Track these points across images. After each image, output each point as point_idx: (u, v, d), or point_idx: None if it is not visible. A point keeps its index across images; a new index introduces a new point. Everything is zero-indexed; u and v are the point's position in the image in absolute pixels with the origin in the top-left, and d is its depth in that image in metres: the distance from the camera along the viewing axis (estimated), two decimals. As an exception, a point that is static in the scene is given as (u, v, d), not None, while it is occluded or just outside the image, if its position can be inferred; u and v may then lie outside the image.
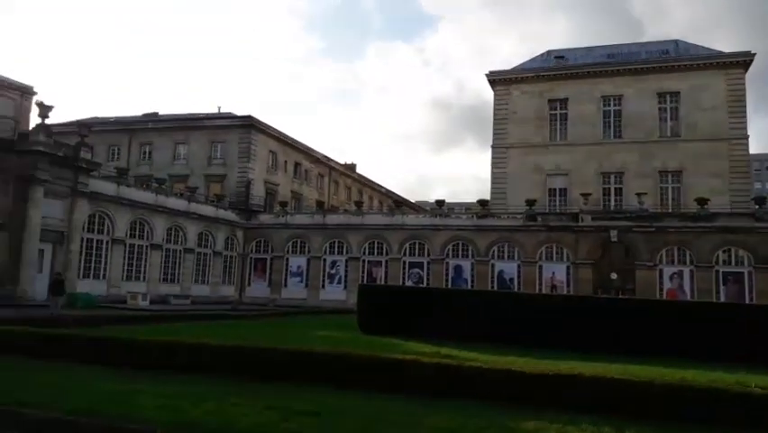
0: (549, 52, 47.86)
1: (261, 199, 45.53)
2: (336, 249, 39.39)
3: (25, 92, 27.38)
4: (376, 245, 38.56)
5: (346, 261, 38.88)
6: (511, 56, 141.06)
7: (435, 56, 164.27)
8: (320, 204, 46.34)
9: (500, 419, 7.00)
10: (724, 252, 31.68)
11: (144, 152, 48.28)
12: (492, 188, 43.07)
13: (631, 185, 38.78)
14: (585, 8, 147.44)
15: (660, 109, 40.49)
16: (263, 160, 46.87)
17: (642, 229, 32.83)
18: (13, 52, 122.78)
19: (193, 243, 37.01)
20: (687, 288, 31.84)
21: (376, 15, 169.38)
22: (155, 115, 53.26)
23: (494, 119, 44.21)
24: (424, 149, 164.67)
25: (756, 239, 30.98)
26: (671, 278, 32.42)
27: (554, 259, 34.87)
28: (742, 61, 39.56)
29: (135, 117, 52.82)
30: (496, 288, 34.11)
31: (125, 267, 32.34)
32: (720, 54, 40.93)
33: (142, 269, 33.42)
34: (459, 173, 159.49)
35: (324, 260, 39.37)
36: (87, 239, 30.09)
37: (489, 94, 46.06)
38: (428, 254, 37.22)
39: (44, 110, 26.76)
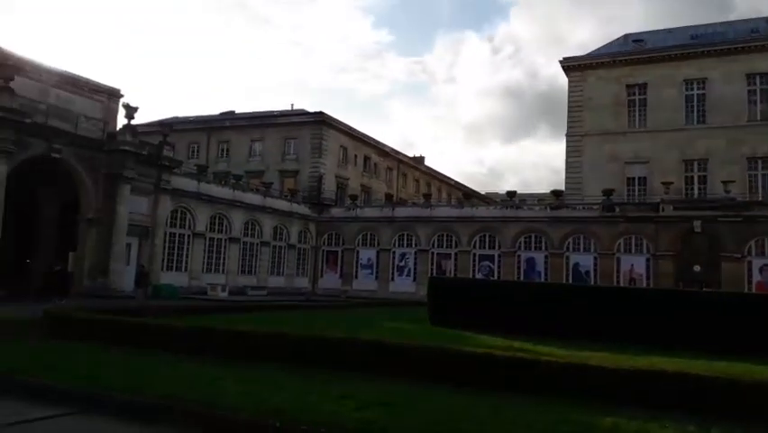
0: (626, 36, 45.95)
1: (332, 193, 46.37)
2: (405, 241, 39.56)
3: (113, 95, 29.02)
4: (445, 238, 38.43)
5: (415, 253, 38.99)
6: (586, 41, 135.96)
7: (507, 44, 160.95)
8: (389, 197, 46.63)
9: (575, 415, 6.85)
10: (821, 242, 29.46)
11: (222, 150, 50.19)
12: (567, 177, 41.85)
13: (716, 173, 36.64)
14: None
15: (749, 92, 37.96)
16: (334, 154, 47.66)
17: (728, 219, 31.02)
18: (93, 53, 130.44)
19: (268, 236, 38.20)
20: (779, 281, 29.86)
21: (445, 6, 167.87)
22: (231, 113, 55.29)
23: (569, 107, 42.91)
24: (494, 139, 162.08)
25: None
26: (760, 270, 30.50)
27: (633, 251, 33.58)
28: (843, 36, 36.48)
29: (213, 116, 55.02)
30: (571, 281, 33.25)
31: (205, 260, 33.83)
32: (818, 30, 37.92)
33: (221, 261, 34.84)
34: (531, 163, 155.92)
35: (394, 252, 39.63)
36: (170, 233, 31.65)
37: (563, 81, 44.75)
38: (499, 247, 36.72)
39: (130, 111, 28.27)
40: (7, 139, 23.45)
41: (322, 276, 41.69)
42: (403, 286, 38.50)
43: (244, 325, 12.01)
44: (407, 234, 39.52)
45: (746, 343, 13.27)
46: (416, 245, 39.10)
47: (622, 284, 31.95)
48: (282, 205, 39.88)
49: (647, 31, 46.91)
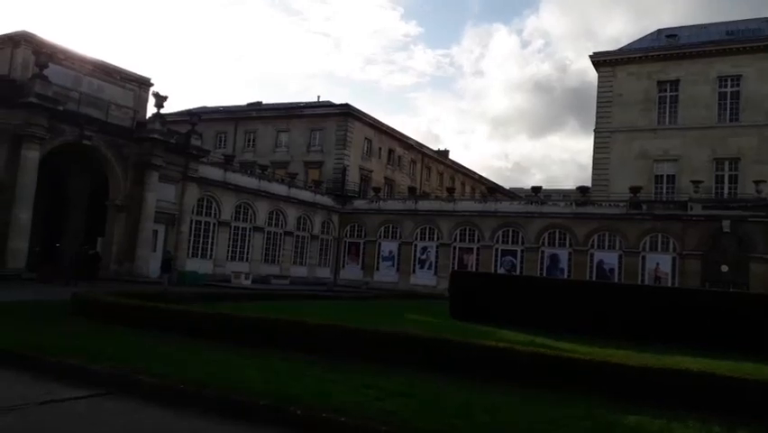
0: (660, 31, 45.07)
1: (356, 185, 46.49)
2: (427, 235, 39.53)
3: (143, 83, 29.46)
4: (468, 232, 38.30)
5: (437, 247, 38.95)
6: (619, 36, 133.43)
7: (536, 37, 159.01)
8: (412, 190, 46.61)
9: (598, 412, 6.80)
10: None
11: (249, 140, 50.62)
12: (594, 174, 41.33)
13: (748, 172, 35.81)
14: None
15: (785, 89, 36.97)
16: (358, 146, 47.74)
17: (759, 219, 30.34)
18: (125, 42, 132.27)
19: (292, 226, 38.50)
20: (811, 284, 29.10)
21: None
22: (258, 104, 55.70)
23: (597, 102, 42.32)
24: (521, 134, 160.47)
25: None
26: (791, 272, 29.76)
27: (659, 249, 33.07)
28: None
29: (240, 106, 55.50)
30: (594, 278, 32.89)
31: (230, 248, 34.24)
32: None
33: (246, 250, 35.23)
34: (558, 159, 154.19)
35: (415, 245, 39.64)
36: (196, 221, 32.09)
37: (593, 76, 44.18)
38: (522, 242, 36.48)
39: (159, 100, 28.67)
40: (40, 125, 23.98)
41: (343, 267, 41.89)
42: (424, 279, 38.53)
43: (265, 313, 12.14)
44: (429, 228, 39.48)
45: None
46: (437, 239, 39.04)
47: (647, 282, 31.49)
48: (306, 196, 40.13)
49: (681, 26, 45.94)
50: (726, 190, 36.91)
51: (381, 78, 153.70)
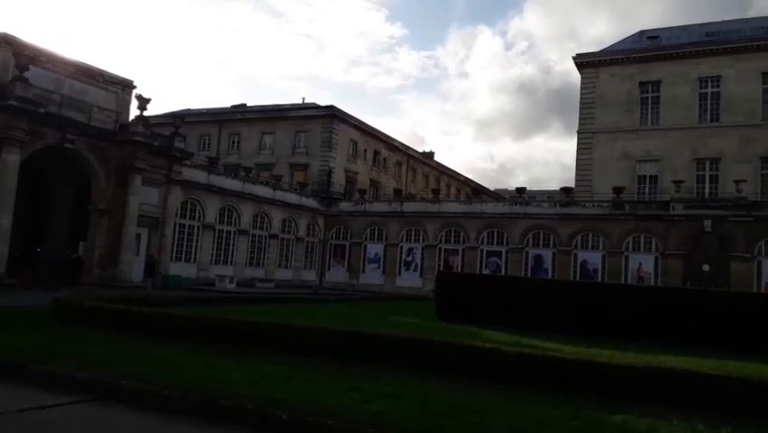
0: (642, 33, 45.61)
1: (341, 187, 46.42)
2: (413, 237, 39.59)
3: (126, 86, 29.15)
4: (453, 233, 38.42)
5: (422, 248, 39.01)
6: (602, 37, 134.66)
7: (520, 39, 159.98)
8: (397, 192, 46.62)
9: (586, 412, 6.84)
10: (834, 244, 29.16)
11: (233, 142, 50.36)
12: (577, 175, 41.70)
13: (728, 172, 36.34)
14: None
15: (764, 90, 37.58)
16: (344, 148, 47.68)
17: (739, 219, 30.79)
18: (108, 45, 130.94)
19: (277, 229, 38.33)
20: (789, 282, 29.62)
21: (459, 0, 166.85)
22: (243, 106, 55.42)
23: (580, 103, 42.71)
24: (505, 135, 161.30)
25: None
26: (771, 270, 30.25)
27: (642, 249, 33.43)
28: None
29: (225, 109, 55.16)
30: (578, 278, 33.15)
31: (214, 251, 34.01)
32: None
33: (230, 253, 35.01)
34: (542, 160, 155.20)
35: (401, 247, 39.67)
36: (180, 224, 31.83)
37: (576, 77, 44.49)
38: (507, 243, 36.67)
39: (143, 102, 28.41)
40: (21, 128, 23.63)
41: (329, 269, 41.80)
42: (410, 281, 38.57)
43: (250, 316, 12.05)
44: (415, 230, 39.53)
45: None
46: (423, 240, 39.11)
47: (630, 282, 31.80)
48: (291, 198, 39.98)
49: (663, 27, 46.49)
50: (707, 190, 37.41)
51: (366, 80, 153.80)
